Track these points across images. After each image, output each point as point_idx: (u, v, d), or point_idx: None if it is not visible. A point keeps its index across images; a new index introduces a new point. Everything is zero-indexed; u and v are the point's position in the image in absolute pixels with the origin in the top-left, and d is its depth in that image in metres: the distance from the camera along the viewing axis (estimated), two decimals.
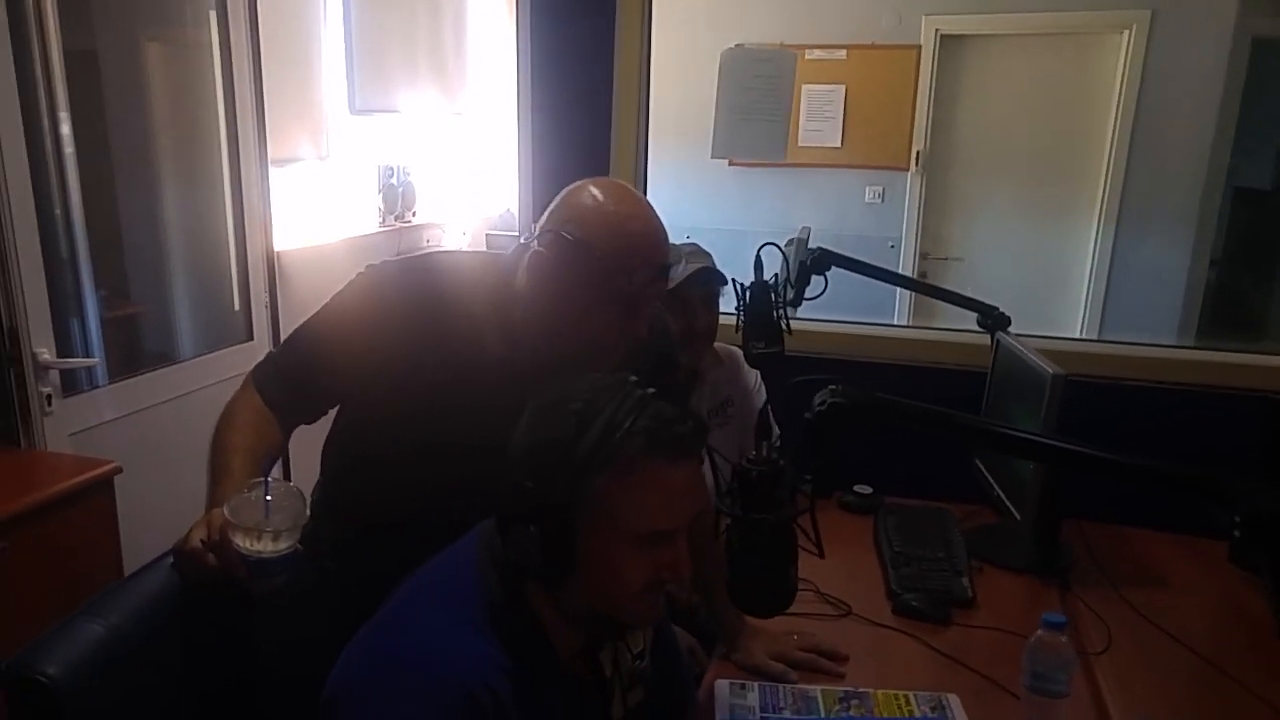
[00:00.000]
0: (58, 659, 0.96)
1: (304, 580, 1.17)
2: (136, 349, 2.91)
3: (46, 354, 2.30)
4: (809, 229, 3.09)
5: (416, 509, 1.30)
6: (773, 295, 1.91)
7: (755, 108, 2.50)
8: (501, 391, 1.28)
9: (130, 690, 1.03)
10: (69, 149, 2.52)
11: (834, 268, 2.05)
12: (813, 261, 1.97)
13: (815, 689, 1.43)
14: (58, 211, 2.50)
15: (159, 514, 2.54)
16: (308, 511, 1.12)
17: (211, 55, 2.91)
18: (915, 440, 1.57)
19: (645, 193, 2.58)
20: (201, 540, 1.10)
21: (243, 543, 1.08)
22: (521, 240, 1.36)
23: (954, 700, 1.40)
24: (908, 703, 1.40)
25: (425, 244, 4.32)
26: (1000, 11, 4.24)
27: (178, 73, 2.95)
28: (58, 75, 2.48)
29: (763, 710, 1.38)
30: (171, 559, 1.14)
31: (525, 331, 1.32)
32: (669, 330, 1.55)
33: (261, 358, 1.44)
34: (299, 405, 1.37)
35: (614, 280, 1.22)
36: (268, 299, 3.05)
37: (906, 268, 4.46)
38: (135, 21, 2.85)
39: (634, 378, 1.04)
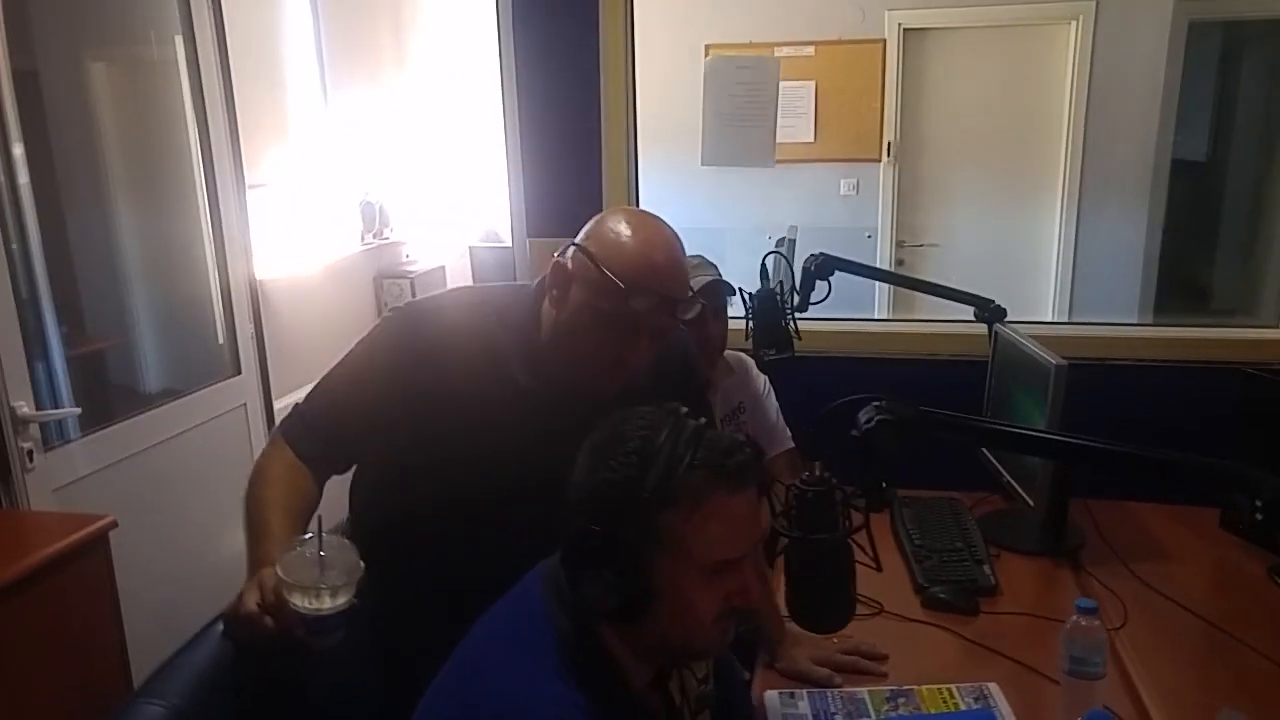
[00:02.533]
0: None
1: (355, 631, 1.17)
2: (115, 392, 2.80)
3: (25, 406, 2.18)
4: (796, 229, 3.14)
5: (457, 545, 1.33)
6: (779, 302, 1.96)
7: (741, 115, 2.54)
8: (529, 424, 1.32)
9: None
10: (24, 178, 2.33)
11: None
12: (817, 267, 2.02)
13: (862, 691, 1.47)
14: (14, 246, 2.29)
15: (155, 565, 2.49)
16: (361, 564, 1.12)
17: (179, 75, 2.80)
18: None
19: (639, 194, 2.62)
20: (256, 604, 1.10)
21: (300, 602, 1.07)
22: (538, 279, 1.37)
23: (994, 689, 1.45)
24: (951, 696, 1.45)
25: (404, 259, 4.32)
26: (956, 5, 4.33)
27: (138, 94, 2.86)
28: (7, 97, 2.31)
29: (815, 717, 1.41)
30: (221, 626, 1.14)
31: (543, 357, 1.34)
32: (691, 354, 1.56)
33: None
34: (331, 456, 1.37)
35: (613, 299, 1.23)
36: (253, 330, 2.98)
37: (883, 257, 4.54)
38: (80, 40, 2.70)
39: (684, 409, 1.06)
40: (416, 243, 4.40)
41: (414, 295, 4.04)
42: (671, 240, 1.30)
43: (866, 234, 4.62)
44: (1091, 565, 1.85)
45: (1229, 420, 1.99)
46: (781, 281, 2.00)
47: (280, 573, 1.08)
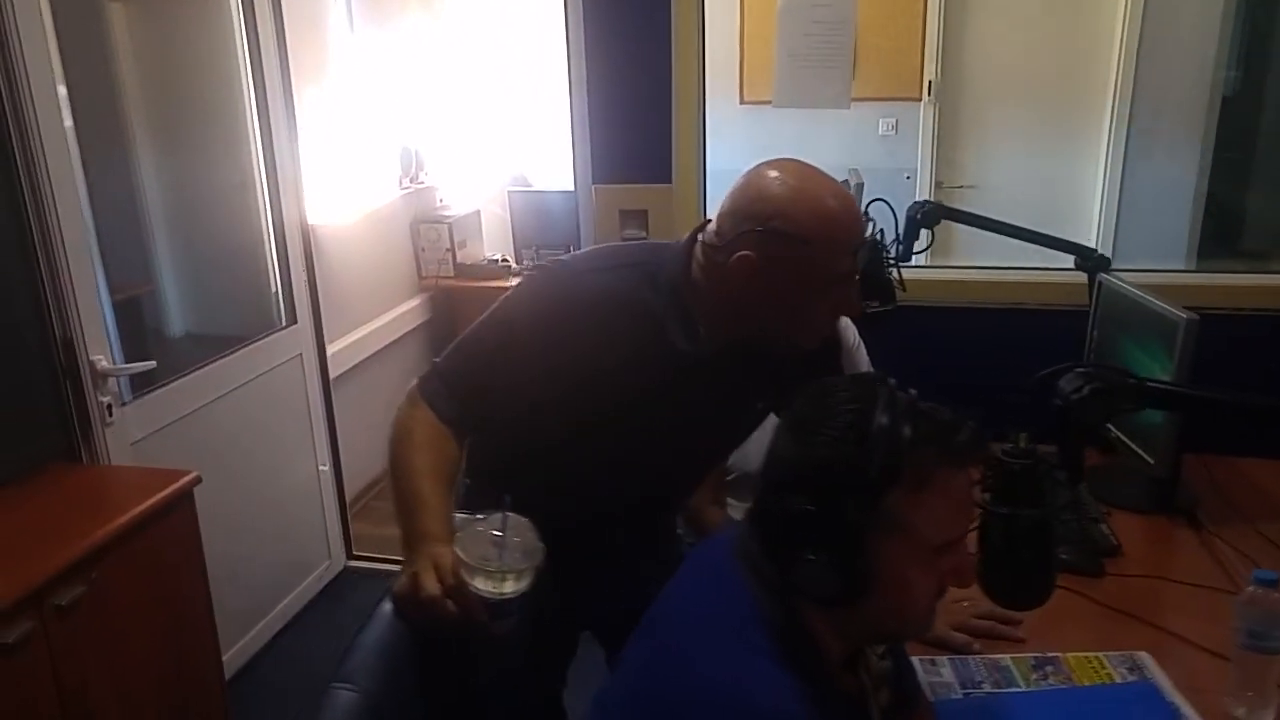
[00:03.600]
0: None
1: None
2: (173, 342, 2.79)
3: (104, 361, 2.16)
4: (858, 171, 3.03)
5: (602, 502, 1.34)
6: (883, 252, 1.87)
7: (817, 54, 2.42)
8: (687, 387, 1.32)
9: None
10: (68, 121, 2.16)
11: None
12: (923, 215, 1.92)
13: (1006, 658, 1.41)
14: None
15: (226, 519, 2.49)
16: (542, 545, 1.05)
17: (231, 11, 2.64)
18: None
19: (706, 140, 2.52)
20: (437, 587, 1.05)
21: (484, 586, 1.02)
22: (704, 237, 1.30)
23: (1147, 658, 1.40)
24: (1103, 665, 1.39)
25: (439, 204, 4.20)
26: None
27: (187, 31, 2.71)
28: (50, 35, 2.10)
29: (962, 687, 1.36)
30: (389, 606, 1.09)
31: (711, 324, 1.30)
32: None
33: (427, 367, 1.36)
34: (474, 419, 1.31)
35: (838, 265, 1.20)
36: (306, 277, 2.89)
37: (922, 198, 4.41)
38: None
39: (891, 379, 0.99)
40: (449, 187, 4.28)
41: (452, 241, 3.94)
42: (828, 175, 1.25)
43: (905, 175, 4.50)
44: (1213, 525, 1.78)
45: None
46: (882, 230, 1.91)
47: (461, 554, 1.03)
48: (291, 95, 2.79)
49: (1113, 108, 4.25)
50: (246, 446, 2.68)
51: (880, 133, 4.49)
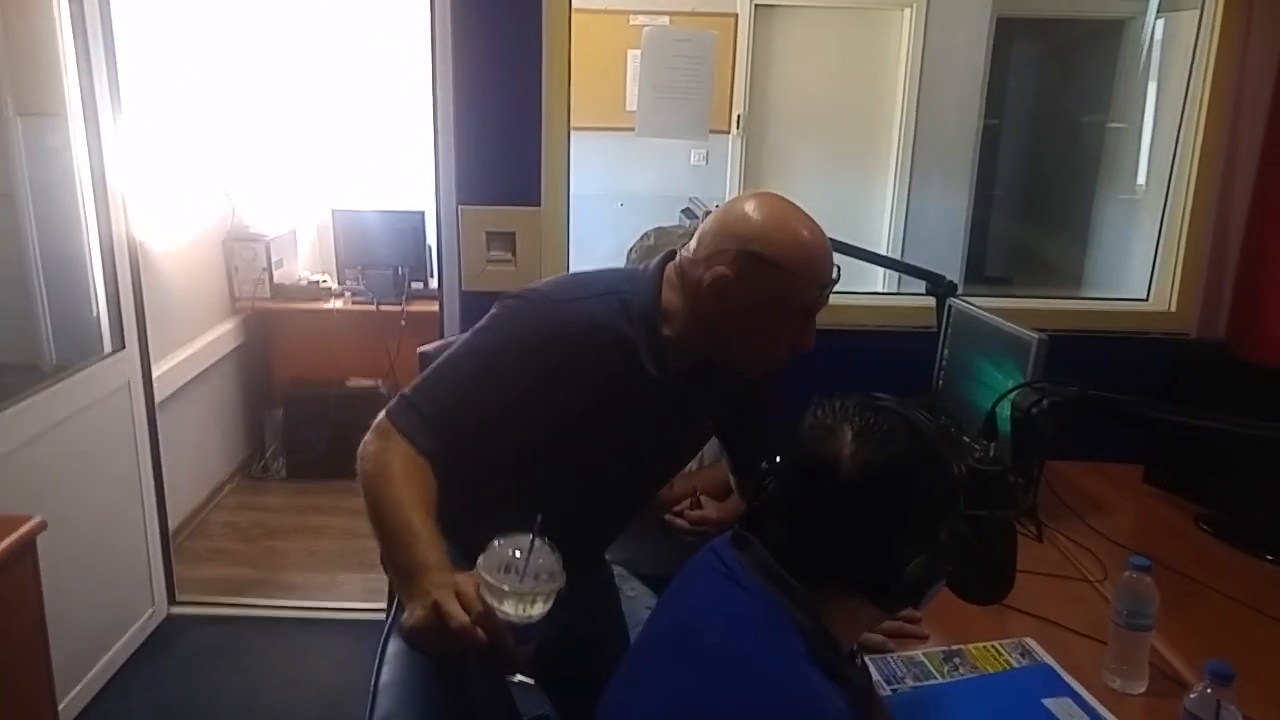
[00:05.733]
0: None
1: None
2: None
3: None
4: (696, 203, 3.16)
5: (571, 530, 1.30)
6: None
7: (677, 87, 2.53)
8: (658, 410, 1.38)
9: None
10: None
11: None
12: None
13: (918, 654, 1.54)
14: None
15: (54, 566, 2.19)
16: (560, 564, 1.05)
17: None
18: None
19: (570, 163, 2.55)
20: (466, 615, 1.02)
21: (513, 609, 1.01)
22: (682, 253, 1.35)
23: (1033, 643, 1.57)
24: (1000, 653, 1.55)
25: (252, 222, 3.93)
26: None
27: None
28: None
29: (888, 683, 1.46)
30: (392, 644, 1.05)
31: (679, 346, 1.34)
32: None
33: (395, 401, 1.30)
34: (453, 452, 1.27)
35: (804, 295, 1.27)
36: (134, 300, 2.63)
37: None
38: None
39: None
40: (263, 205, 4.03)
41: (269, 260, 3.72)
42: (808, 214, 1.32)
43: (715, 204, 4.73)
44: (1051, 522, 2.01)
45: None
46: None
47: (487, 578, 1.01)
48: (119, 89, 2.51)
49: (898, 146, 4.70)
50: (68, 487, 2.41)
51: (692, 163, 4.72)
